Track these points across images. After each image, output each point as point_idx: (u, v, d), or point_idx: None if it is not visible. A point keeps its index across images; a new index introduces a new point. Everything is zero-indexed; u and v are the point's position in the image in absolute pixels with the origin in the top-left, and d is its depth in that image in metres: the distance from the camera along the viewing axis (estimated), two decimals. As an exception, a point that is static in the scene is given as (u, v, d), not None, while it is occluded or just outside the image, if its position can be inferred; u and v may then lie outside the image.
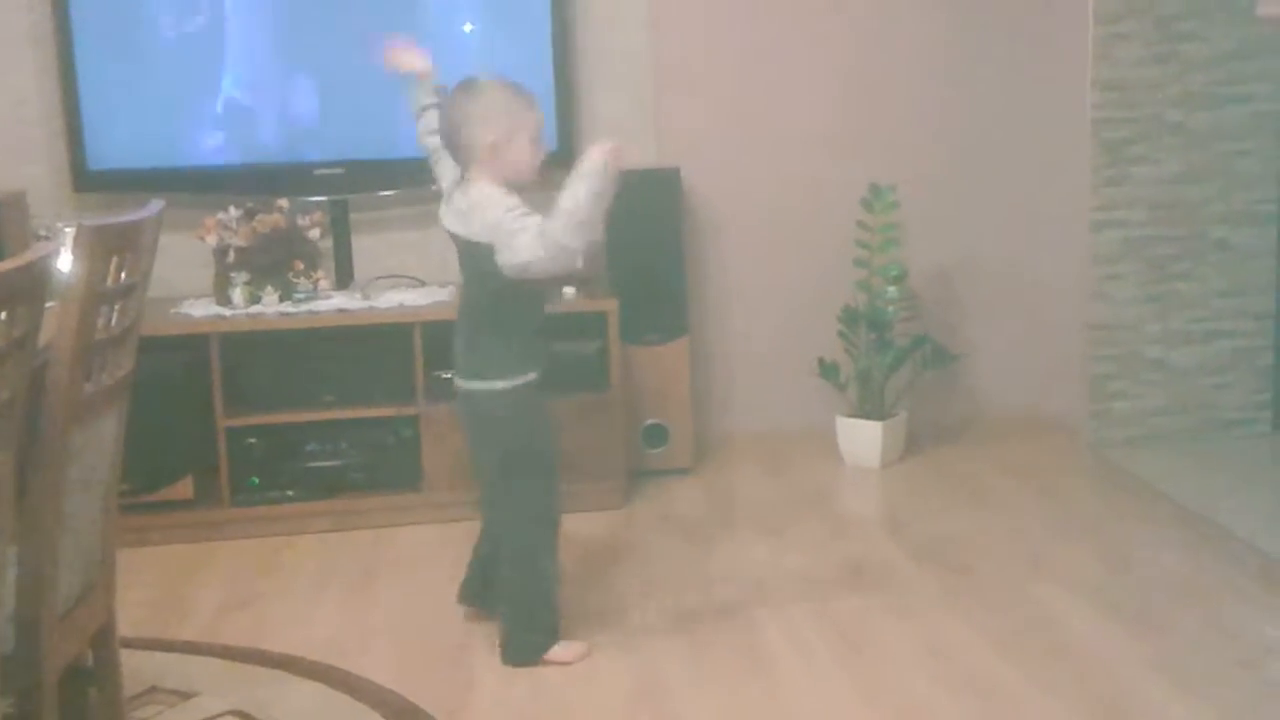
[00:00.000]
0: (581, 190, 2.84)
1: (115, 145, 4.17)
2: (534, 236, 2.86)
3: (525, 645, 3.10)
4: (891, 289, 4.43)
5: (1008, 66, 4.71)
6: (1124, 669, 2.96)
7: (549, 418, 3.17)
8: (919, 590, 3.45)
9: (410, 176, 4.26)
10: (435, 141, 3.15)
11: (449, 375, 3.21)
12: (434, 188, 3.21)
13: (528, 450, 3.09)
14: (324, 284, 4.19)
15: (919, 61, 4.69)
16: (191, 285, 4.26)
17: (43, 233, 3.96)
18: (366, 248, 4.39)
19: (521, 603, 3.11)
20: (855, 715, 2.82)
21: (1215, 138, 4.45)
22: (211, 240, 4.09)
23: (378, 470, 4.07)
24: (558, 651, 3.10)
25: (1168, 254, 4.49)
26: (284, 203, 4.14)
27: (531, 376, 3.07)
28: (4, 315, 1.85)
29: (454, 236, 3.05)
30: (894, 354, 4.45)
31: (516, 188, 3.03)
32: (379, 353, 4.08)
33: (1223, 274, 4.52)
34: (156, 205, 2.39)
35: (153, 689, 2.98)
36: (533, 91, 3.11)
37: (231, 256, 4.07)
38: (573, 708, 2.90)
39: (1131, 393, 4.54)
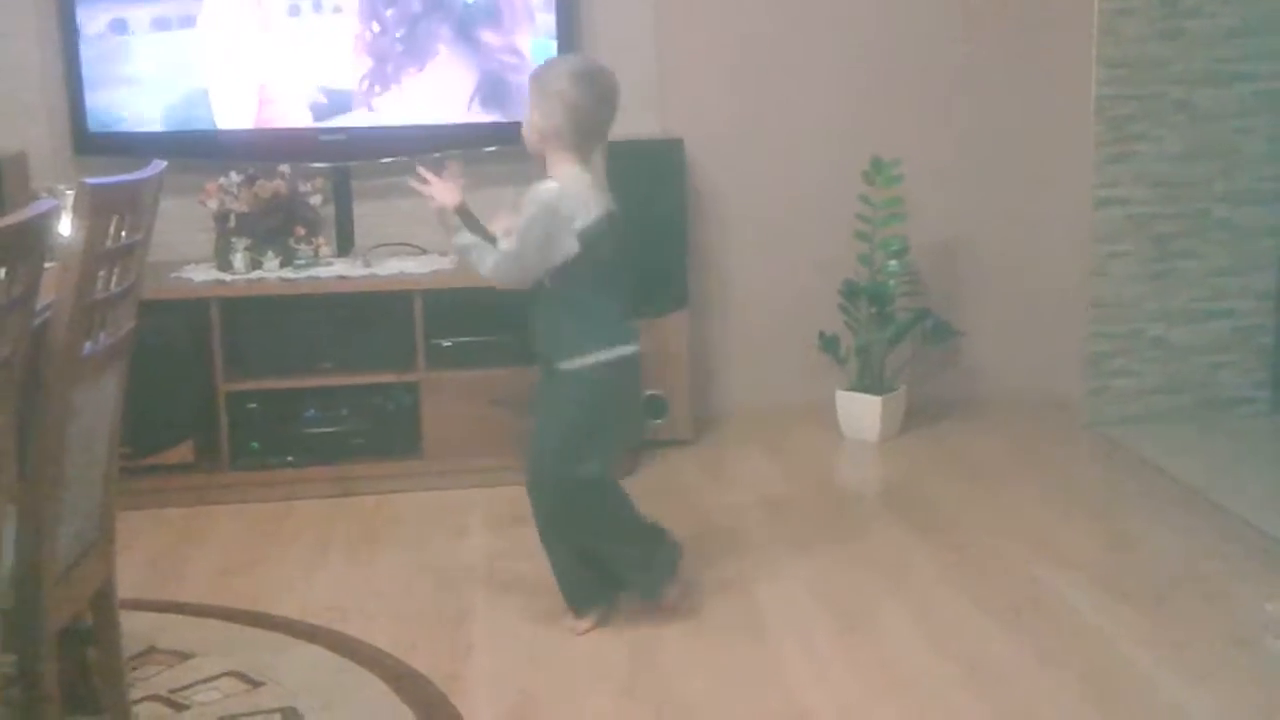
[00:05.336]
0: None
1: (116, 109, 4.16)
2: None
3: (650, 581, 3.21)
4: (893, 263, 4.43)
5: (1012, 43, 4.69)
6: (1121, 645, 2.97)
7: None
8: (916, 564, 3.46)
9: (412, 144, 4.27)
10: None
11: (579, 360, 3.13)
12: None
13: None
14: (325, 250, 4.19)
15: (924, 35, 4.67)
16: (193, 250, 4.26)
17: (43, 194, 3.95)
18: (368, 215, 4.38)
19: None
20: (850, 688, 2.83)
21: (1220, 115, 4.43)
22: (213, 205, 4.09)
23: (377, 436, 4.08)
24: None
25: (1170, 232, 4.49)
26: (285, 168, 4.13)
27: None
28: (3, 272, 1.84)
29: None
30: (894, 328, 4.45)
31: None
32: (380, 320, 4.08)
33: (1224, 252, 4.51)
34: (158, 166, 2.39)
35: (151, 649, 3.00)
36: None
37: (232, 222, 4.07)
38: (571, 675, 2.91)
39: (1131, 371, 4.54)
